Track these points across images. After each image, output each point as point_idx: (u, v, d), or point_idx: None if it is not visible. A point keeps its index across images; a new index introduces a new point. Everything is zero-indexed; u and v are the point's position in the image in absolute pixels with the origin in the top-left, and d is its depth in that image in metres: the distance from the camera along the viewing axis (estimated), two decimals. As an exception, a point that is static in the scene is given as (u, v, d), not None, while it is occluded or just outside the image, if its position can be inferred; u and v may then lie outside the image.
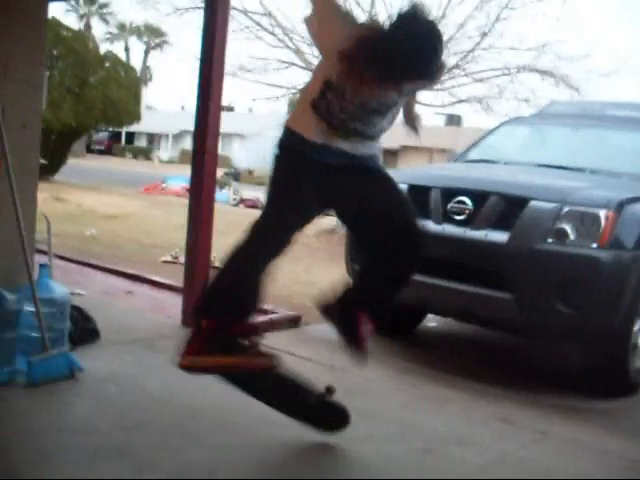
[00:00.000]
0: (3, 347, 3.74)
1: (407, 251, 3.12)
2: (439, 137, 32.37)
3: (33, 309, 3.87)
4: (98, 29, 53.37)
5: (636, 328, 4.64)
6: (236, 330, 3.02)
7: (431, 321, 6.20)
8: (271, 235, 3.06)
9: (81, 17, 41.42)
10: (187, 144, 48.49)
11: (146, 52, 57.43)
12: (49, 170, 18.92)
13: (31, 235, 4.31)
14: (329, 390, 3.19)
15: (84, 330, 4.50)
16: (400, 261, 3.12)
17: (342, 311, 3.15)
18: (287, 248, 3.07)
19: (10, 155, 3.97)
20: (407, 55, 2.68)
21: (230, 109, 43.89)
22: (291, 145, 3.00)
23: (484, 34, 13.09)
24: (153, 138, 55.39)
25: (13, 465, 2.89)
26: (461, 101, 14.29)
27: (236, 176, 29.16)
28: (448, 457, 3.38)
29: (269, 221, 3.06)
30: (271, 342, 4.81)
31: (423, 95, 13.99)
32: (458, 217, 4.77)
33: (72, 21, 42.08)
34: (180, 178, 22.49)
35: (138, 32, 55.65)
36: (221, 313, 3.03)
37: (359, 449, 3.37)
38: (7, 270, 3.97)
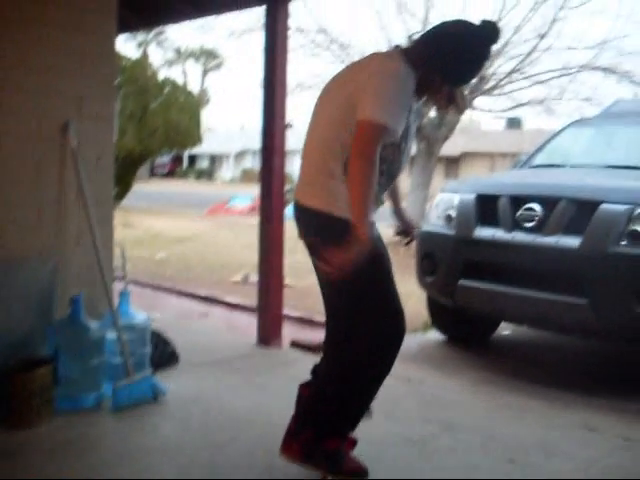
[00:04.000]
0: (89, 374, 3.87)
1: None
2: (500, 142, 32.10)
3: (115, 336, 3.99)
4: (156, 55, 54.31)
5: None
6: (335, 445, 2.93)
7: (505, 329, 6.16)
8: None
9: (139, 45, 42.38)
10: (248, 163, 49.02)
11: (203, 75, 58.30)
12: (116, 197, 19.32)
13: (110, 263, 4.44)
14: None
15: (164, 353, 4.62)
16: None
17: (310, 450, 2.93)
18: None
19: (87, 187, 4.13)
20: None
21: (290, 126, 44.20)
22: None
23: (541, 35, 12.96)
24: (215, 159, 56.12)
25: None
26: (522, 104, 14.16)
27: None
28: (532, 467, 3.35)
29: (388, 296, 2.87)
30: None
31: (481, 101, 13.97)
32: (528, 224, 4.74)
33: (131, 49, 42.97)
34: (244, 197, 22.76)
35: (194, 56, 56.56)
36: (328, 430, 2.92)
37: (442, 462, 3.37)
38: (89, 298, 4.10)
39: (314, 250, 2.92)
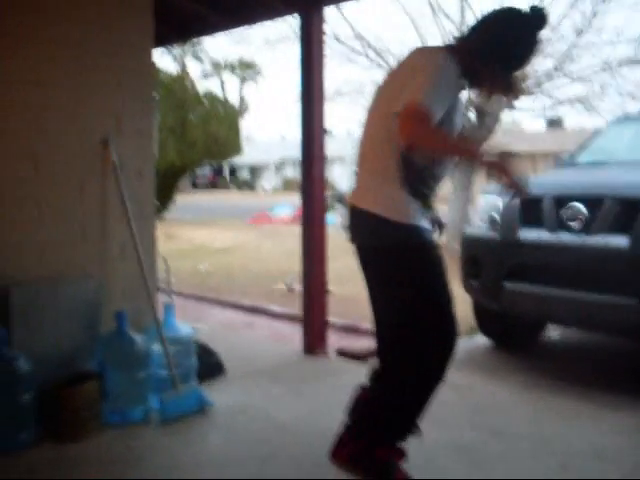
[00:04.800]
0: (136, 387, 3.89)
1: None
2: (541, 142, 31.73)
3: (161, 348, 4.02)
4: (193, 68, 54.77)
5: None
6: (386, 455, 2.89)
7: (553, 332, 6.07)
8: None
9: (175, 58, 42.85)
10: (289, 172, 49.18)
11: (241, 85, 58.68)
12: (159, 209, 19.54)
13: (154, 277, 4.47)
14: None
15: (209, 365, 4.63)
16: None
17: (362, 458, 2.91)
18: None
19: (129, 202, 4.16)
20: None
21: (329, 133, 44.23)
22: (410, 242, 2.77)
23: (580, 32, 12.78)
24: (255, 169, 56.40)
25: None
26: (562, 103, 13.97)
27: (340, 199, 29.32)
28: (586, 472, 3.27)
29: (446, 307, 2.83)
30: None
31: (522, 100, 13.81)
32: (573, 224, 4.66)
33: (168, 63, 43.39)
34: (286, 206, 22.83)
35: (232, 67, 57.00)
36: (381, 438, 2.90)
37: (493, 469, 3.32)
38: (134, 312, 4.13)
39: (364, 257, 2.92)
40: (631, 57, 13.14)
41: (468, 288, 5.38)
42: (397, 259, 2.78)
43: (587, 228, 4.61)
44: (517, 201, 5.00)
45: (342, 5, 11.32)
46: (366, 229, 2.86)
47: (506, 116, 15.20)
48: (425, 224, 2.80)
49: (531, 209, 4.91)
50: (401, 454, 2.94)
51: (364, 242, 2.90)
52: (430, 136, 2.57)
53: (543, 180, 5.73)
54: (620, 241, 4.43)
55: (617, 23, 20.81)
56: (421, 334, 2.79)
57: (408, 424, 2.90)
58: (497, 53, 2.75)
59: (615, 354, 5.69)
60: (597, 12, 12.72)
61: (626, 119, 6.67)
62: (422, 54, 2.81)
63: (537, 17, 2.74)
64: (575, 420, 3.98)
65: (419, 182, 2.77)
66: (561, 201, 4.78)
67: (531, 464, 3.36)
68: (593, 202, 4.64)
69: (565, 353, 5.84)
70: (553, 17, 12.83)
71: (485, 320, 5.68)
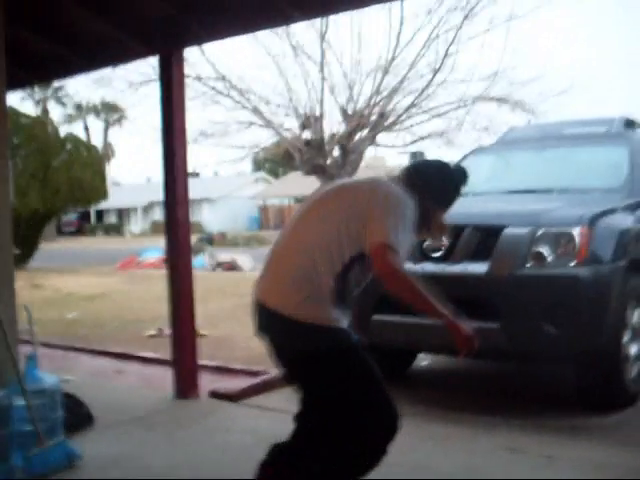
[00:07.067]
0: (-3, 445, 3.69)
1: None
2: (405, 176, 32.68)
3: (24, 402, 3.83)
4: (56, 112, 53.61)
5: (625, 339, 4.67)
6: None
7: (423, 360, 6.19)
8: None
9: (37, 103, 41.83)
10: (157, 215, 48.51)
11: (105, 129, 57.77)
12: (22, 258, 18.83)
13: (14, 327, 4.27)
14: None
15: (78, 416, 4.45)
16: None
17: None
18: None
19: (-16, 250, 3.98)
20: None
21: (195, 175, 44.03)
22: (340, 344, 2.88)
23: (435, 70, 13.31)
24: (122, 213, 55.31)
25: None
26: (422, 138, 14.47)
27: (210, 240, 29.18)
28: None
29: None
30: (266, 403, 4.80)
31: (384, 136, 14.20)
32: (435, 254, 4.80)
33: (29, 107, 42.24)
34: (155, 249, 22.43)
35: (95, 110, 56.08)
36: None
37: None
38: (-7, 365, 3.93)
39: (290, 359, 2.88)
40: (483, 94, 13.81)
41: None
42: (329, 363, 2.81)
43: (449, 257, 4.76)
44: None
45: (204, 46, 11.37)
46: (291, 335, 2.80)
47: (369, 152, 15.60)
48: (345, 324, 2.85)
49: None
50: None
51: (288, 346, 2.85)
52: (408, 284, 2.71)
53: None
54: (480, 267, 4.59)
55: (469, 62, 21.77)
56: (359, 424, 2.87)
57: None
58: (441, 196, 3.01)
59: (483, 377, 5.86)
60: (450, 52, 13.30)
61: (480, 151, 6.95)
62: (387, 185, 2.87)
63: (462, 173, 3.10)
64: (448, 444, 4.07)
65: (345, 280, 2.84)
66: (423, 232, 4.90)
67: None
68: (454, 231, 4.78)
69: (436, 380, 5.96)
70: (410, 56, 13.38)
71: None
